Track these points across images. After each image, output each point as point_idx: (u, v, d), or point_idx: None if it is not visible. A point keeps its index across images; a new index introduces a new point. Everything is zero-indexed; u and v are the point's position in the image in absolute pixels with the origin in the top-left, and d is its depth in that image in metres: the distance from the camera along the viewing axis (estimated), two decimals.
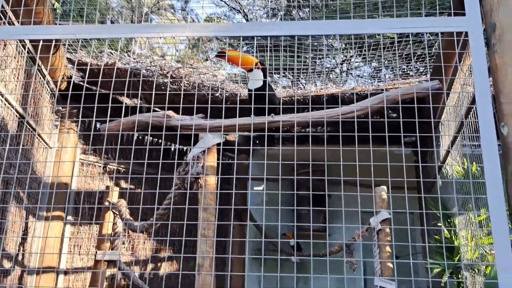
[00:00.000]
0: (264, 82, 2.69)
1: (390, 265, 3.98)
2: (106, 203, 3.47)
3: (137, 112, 3.27)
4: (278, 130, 2.67)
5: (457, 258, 3.85)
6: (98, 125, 3.44)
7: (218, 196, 2.57)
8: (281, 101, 4.32)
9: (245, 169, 6.14)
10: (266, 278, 6.07)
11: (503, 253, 1.73)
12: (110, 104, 2.34)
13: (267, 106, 2.40)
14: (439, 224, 4.25)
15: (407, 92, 2.43)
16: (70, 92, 3.41)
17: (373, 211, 4.17)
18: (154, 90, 3.53)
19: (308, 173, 6.35)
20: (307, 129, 5.56)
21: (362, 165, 2.58)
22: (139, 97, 3.94)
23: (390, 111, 5.25)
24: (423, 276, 6.12)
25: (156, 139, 4.87)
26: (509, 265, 1.71)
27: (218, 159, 2.75)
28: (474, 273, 3.62)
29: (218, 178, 2.68)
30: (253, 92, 2.70)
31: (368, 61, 5.54)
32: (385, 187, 4.20)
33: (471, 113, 2.97)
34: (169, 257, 4.97)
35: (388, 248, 4.04)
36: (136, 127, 2.67)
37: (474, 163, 3.47)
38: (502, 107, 1.99)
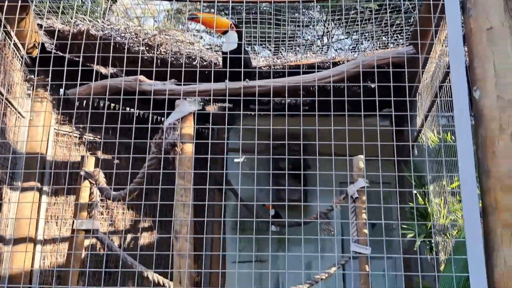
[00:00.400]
0: (239, 45, 2.64)
1: (366, 231, 4.09)
2: (82, 173, 3.43)
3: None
4: (254, 96, 2.65)
5: (430, 224, 3.97)
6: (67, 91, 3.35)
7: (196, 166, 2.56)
8: (259, 70, 4.29)
9: (223, 142, 6.13)
10: (246, 249, 6.17)
11: (471, 215, 1.78)
12: (79, 68, 2.27)
13: (242, 70, 2.37)
14: (414, 192, 4.36)
15: (383, 57, 2.43)
16: (38, 56, 3.29)
17: (350, 181, 4.24)
18: (127, 54, 3.44)
19: (287, 145, 6.39)
20: (284, 101, 5.56)
21: (339, 136, 2.60)
22: (110, 64, 3.83)
23: (369, 82, 5.27)
24: (399, 244, 6.32)
25: (129, 108, 4.79)
26: (476, 227, 1.77)
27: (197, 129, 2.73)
28: (445, 238, 3.75)
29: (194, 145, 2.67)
30: (228, 56, 2.66)
31: (348, 32, 5.51)
32: (362, 157, 4.26)
33: (446, 82, 3.00)
34: (148, 227, 4.97)
35: (364, 216, 4.14)
36: (107, 91, 2.61)
37: (448, 133, 3.54)
38: (476, 71, 2.01)
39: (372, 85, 5.36)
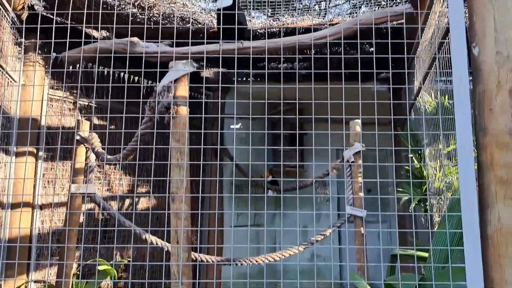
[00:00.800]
0: (234, 0, 2.56)
1: (361, 195, 4.13)
2: (77, 137, 3.41)
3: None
4: (249, 58, 2.60)
5: (425, 187, 4.00)
6: (58, 55, 3.27)
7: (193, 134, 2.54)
8: (255, 33, 4.20)
9: (221, 108, 6.09)
10: (243, 214, 6.25)
11: (466, 176, 1.77)
12: (68, 27, 2.20)
13: (236, 26, 2.30)
14: (410, 155, 4.38)
15: (380, 16, 2.37)
16: (25, 16, 3.20)
17: (345, 147, 4.24)
18: (116, 17, 3.35)
19: (284, 111, 6.36)
20: (280, 65, 5.48)
21: (336, 101, 2.56)
22: (98, 26, 3.73)
23: (366, 45, 5.19)
24: (394, 207, 6.40)
25: (123, 74, 4.71)
26: (471, 183, 1.76)
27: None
28: (440, 201, 3.79)
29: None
30: (221, 12, 2.58)
31: None
32: (359, 121, 4.25)
33: (444, 44, 2.94)
34: (146, 191, 5.01)
35: (360, 179, 4.17)
36: (97, 53, 2.54)
37: (446, 96, 3.51)
38: (475, 27, 1.97)
39: (370, 49, 5.29)
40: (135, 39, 2.64)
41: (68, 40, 2.18)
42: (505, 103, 1.77)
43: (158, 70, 2.24)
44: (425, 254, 2.83)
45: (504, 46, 1.83)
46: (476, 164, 1.87)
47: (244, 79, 5.98)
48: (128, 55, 2.24)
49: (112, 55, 2.11)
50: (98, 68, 4.42)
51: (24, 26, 3.60)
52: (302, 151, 7.13)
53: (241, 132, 6.44)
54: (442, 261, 2.22)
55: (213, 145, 5.94)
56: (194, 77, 5.32)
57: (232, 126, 6.14)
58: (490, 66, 1.83)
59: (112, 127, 4.58)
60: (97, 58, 2.45)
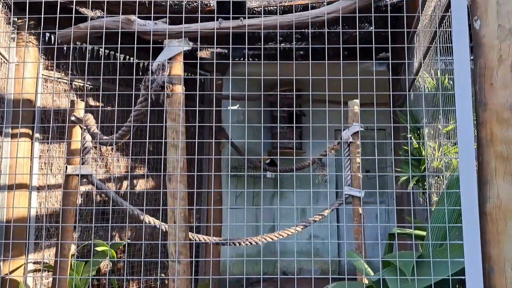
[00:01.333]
0: None
1: (360, 175, 4.12)
2: (72, 118, 3.36)
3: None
4: (246, 38, 2.54)
5: (423, 167, 3.99)
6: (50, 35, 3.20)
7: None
8: (253, 11, 4.13)
9: (219, 89, 6.03)
10: (242, 195, 6.26)
11: (466, 151, 1.74)
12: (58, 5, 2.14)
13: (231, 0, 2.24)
14: (408, 135, 4.35)
15: None
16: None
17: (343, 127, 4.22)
18: None
19: (283, 92, 6.30)
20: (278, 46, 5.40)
21: (334, 83, 2.52)
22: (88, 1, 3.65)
23: (365, 24, 5.11)
24: (392, 188, 6.42)
25: (118, 54, 4.64)
26: (470, 159, 1.74)
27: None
28: (439, 180, 3.78)
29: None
30: None
31: None
32: (357, 101, 4.21)
33: (445, 18, 2.88)
34: (144, 174, 4.99)
35: (358, 160, 4.15)
36: (88, 30, 2.48)
37: (446, 75, 3.46)
38: (477, 0, 1.92)
39: (370, 28, 5.21)
40: (132, 16, 2.58)
41: (57, 15, 2.12)
42: (506, 77, 1.73)
43: (151, 46, 2.18)
44: (423, 233, 2.83)
45: (506, 19, 1.78)
46: (476, 142, 1.84)
47: (242, 60, 5.91)
48: (120, 30, 2.19)
49: (104, 31, 2.05)
50: (93, 48, 4.35)
51: (13, 1, 3.52)
52: (300, 133, 7.11)
53: (239, 113, 6.40)
54: (440, 239, 2.22)
55: (210, 129, 5.90)
56: (191, 58, 5.25)
57: (229, 107, 6.10)
58: (492, 40, 1.79)
59: (109, 108, 4.54)
60: (88, 37, 2.39)
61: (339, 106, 3.62)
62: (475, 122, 1.87)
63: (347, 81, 2.62)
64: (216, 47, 5.41)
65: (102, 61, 2.13)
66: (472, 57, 1.96)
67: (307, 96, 6.03)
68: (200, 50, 5.35)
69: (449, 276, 1.72)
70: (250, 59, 5.87)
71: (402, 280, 1.86)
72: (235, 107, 6.41)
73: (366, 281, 2.57)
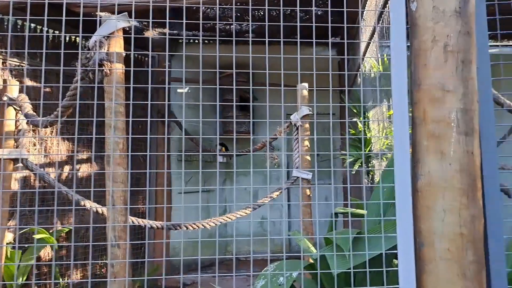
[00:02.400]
0: None
1: (308, 158, 4.18)
2: (4, 98, 3.15)
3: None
4: (196, 19, 2.45)
5: (368, 148, 4.11)
6: None
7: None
8: None
9: (165, 71, 5.86)
10: (192, 179, 6.18)
11: (400, 130, 1.79)
12: None
13: None
14: (354, 119, 4.46)
15: None
16: None
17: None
18: None
19: (233, 77, 6.24)
20: (231, 26, 5.33)
21: (284, 66, 2.50)
22: None
23: (318, 11, 5.14)
24: (341, 172, 6.59)
25: (51, 30, 4.35)
26: (404, 142, 1.78)
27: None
28: (381, 161, 3.91)
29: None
30: None
31: None
32: (306, 85, 4.25)
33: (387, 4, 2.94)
34: (86, 158, 4.79)
35: (306, 142, 4.21)
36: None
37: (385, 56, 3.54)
38: None
39: (319, 12, 5.24)
40: None
41: None
42: (439, 58, 1.78)
43: (81, 18, 2.04)
44: (364, 212, 2.92)
45: (441, 0, 1.82)
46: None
47: (192, 41, 5.77)
48: (47, 0, 2.03)
49: (29, 0, 1.90)
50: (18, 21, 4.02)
51: None
52: (252, 118, 7.10)
53: (188, 97, 6.28)
54: (378, 217, 2.28)
55: (159, 111, 5.75)
56: (140, 39, 5.05)
57: (179, 90, 5.96)
58: (426, 21, 1.82)
59: (47, 90, 4.28)
60: (10, 7, 2.21)
61: (290, 91, 3.63)
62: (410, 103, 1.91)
63: (299, 65, 2.61)
64: (161, 27, 5.23)
65: (27, 34, 1.97)
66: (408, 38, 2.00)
67: (258, 80, 6.01)
68: (147, 30, 5.17)
69: (383, 251, 1.78)
70: (206, 41, 5.74)
71: (340, 256, 1.91)
72: (185, 90, 6.28)
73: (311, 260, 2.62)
